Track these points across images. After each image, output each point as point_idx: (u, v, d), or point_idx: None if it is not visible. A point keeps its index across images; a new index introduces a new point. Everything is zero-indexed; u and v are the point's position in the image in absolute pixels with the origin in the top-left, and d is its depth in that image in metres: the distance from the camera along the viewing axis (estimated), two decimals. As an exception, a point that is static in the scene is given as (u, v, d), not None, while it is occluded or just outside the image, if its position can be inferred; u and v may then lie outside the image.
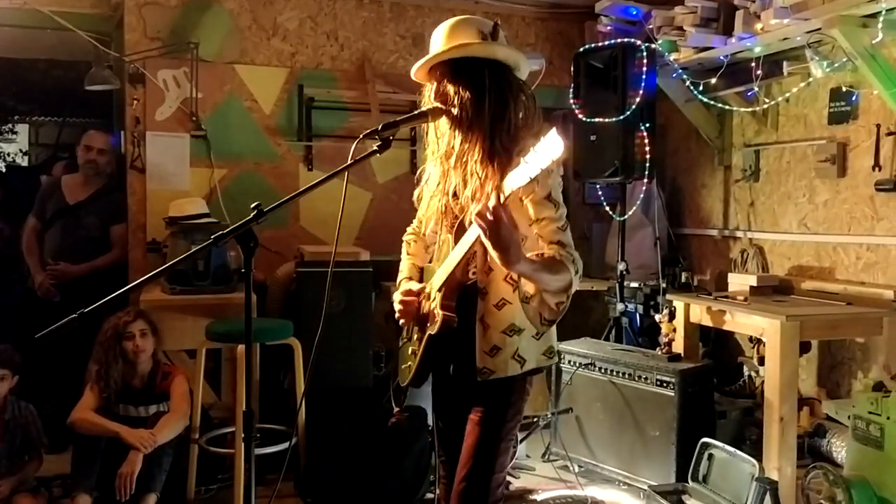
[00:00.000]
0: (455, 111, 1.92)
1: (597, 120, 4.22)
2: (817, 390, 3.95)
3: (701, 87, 4.18)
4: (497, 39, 1.95)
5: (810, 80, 3.75)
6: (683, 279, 4.62)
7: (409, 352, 2.14)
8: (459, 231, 1.96)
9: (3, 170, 8.95)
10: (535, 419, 3.94)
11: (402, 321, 2.15)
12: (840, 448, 3.33)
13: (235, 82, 4.52)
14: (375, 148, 1.89)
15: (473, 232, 1.79)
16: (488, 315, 1.95)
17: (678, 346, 3.74)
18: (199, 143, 4.44)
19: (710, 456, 3.19)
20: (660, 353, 3.64)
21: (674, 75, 4.30)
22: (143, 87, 4.37)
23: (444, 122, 1.96)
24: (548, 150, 1.54)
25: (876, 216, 3.68)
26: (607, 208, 4.52)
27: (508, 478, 3.64)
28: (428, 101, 1.99)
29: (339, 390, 3.71)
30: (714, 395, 3.70)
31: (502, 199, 1.66)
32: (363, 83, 4.68)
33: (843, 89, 3.77)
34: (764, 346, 3.43)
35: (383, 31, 4.80)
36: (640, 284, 4.50)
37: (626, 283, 4.38)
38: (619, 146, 4.13)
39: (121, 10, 4.38)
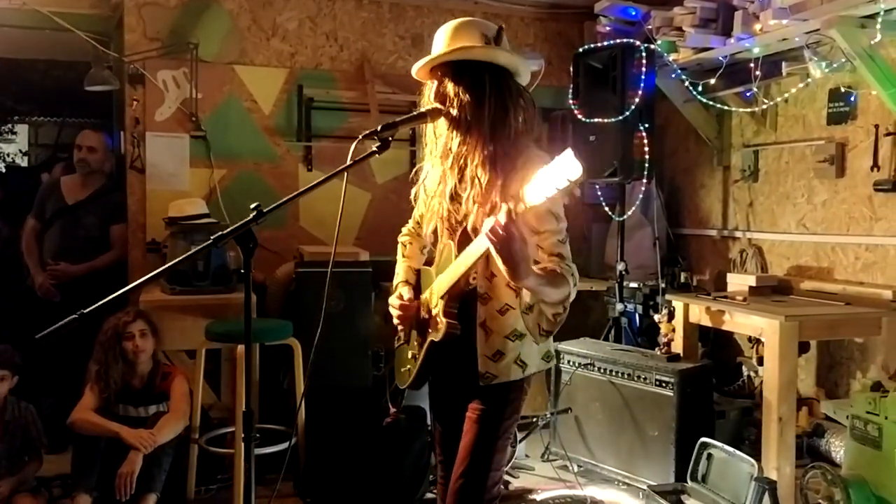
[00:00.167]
0: (454, 112, 1.92)
1: (596, 120, 4.23)
2: (816, 390, 3.96)
3: (700, 88, 4.18)
4: (500, 44, 1.95)
5: (809, 80, 3.75)
6: (682, 279, 4.63)
7: (409, 355, 2.14)
8: (463, 238, 1.96)
9: (3, 170, 8.94)
10: (535, 419, 3.94)
11: (400, 326, 2.16)
12: (838, 448, 3.33)
13: (235, 83, 4.53)
14: (374, 148, 1.89)
15: (482, 244, 1.78)
16: (491, 320, 1.96)
17: (677, 346, 3.74)
18: (199, 144, 4.45)
19: (709, 456, 3.19)
20: (659, 353, 3.64)
21: (673, 76, 4.30)
22: (142, 88, 4.37)
23: (442, 123, 1.97)
24: (564, 170, 1.53)
25: (874, 216, 3.69)
26: (606, 208, 4.53)
27: (508, 477, 3.64)
28: (427, 101, 1.99)
29: (339, 390, 3.71)
30: (713, 395, 3.71)
31: (514, 216, 1.66)
32: (362, 84, 4.68)
33: (842, 90, 3.77)
34: (763, 346, 3.43)
35: (383, 31, 4.80)
36: (639, 284, 4.51)
37: (625, 284, 4.39)
38: (618, 146, 4.14)
39: (120, 10, 4.39)
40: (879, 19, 3.17)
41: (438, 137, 2.00)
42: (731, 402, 3.82)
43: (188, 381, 3.49)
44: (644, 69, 4.11)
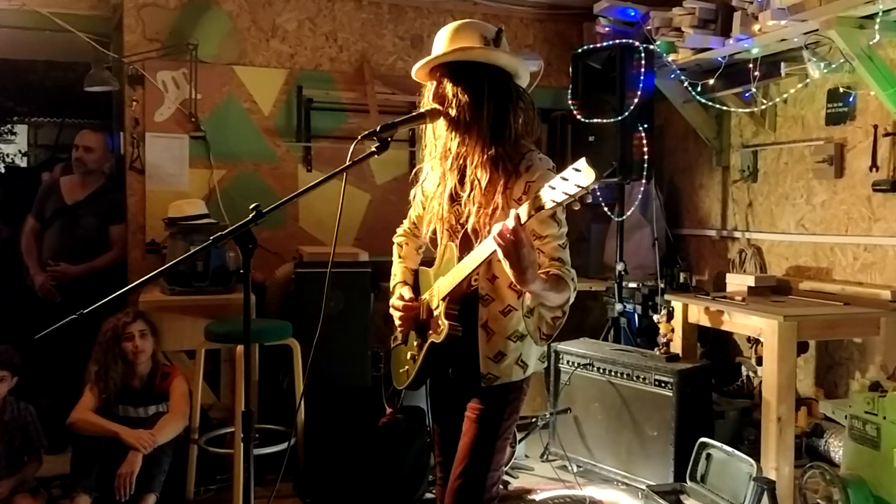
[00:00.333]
0: (453, 113, 1.93)
1: (595, 120, 4.23)
2: (815, 390, 3.97)
3: (699, 88, 4.19)
4: (500, 46, 1.95)
5: (808, 80, 3.76)
6: (682, 279, 4.63)
7: (407, 356, 2.14)
8: (464, 240, 1.97)
9: (3, 171, 8.95)
10: (534, 419, 3.94)
11: (399, 326, 2.16)
12: (837, 448, 3.34)
13: (234, 83, 4.53)
14: (374, 149, 1.89)
15: (487, 247, 1.79)
16: (493, 321, 1.96)
17: (676, 347, 3.75)
18: (198, 144, 4.45)
19: (708, 456, 3.20)
20: (658, 353, 3.64)
21: (672, 76, 4.31)
22: (142, 89, 4.38)
23: (441, 124, 1.97)
24: (576, 177, 1.53)
25: (873, 216, 3.69)
26: (605, 209, 4.53)
27: (507, 478, 3.65)
28: (427, 101, 2.00)
29: (338, 390, 3.72)
30: (712, 396, 3.71)
31: (523, 221, 1.66)
32: (362, 84, 4.68)
33: (841, 90, 3.78)
34: (762, 346, 3.44)
35: (382, 32, 4.81)
36: (638, 285, 4.51)
37: (624, 284, 4.39)
38: (617, 147, 4.14)
39: (120, 11, 4.39)
40: (878, 20, 3.17)
41: (437, 138, 2.00)
42: (730, 403, 3.83)
43: (188, 381, 3.49)
44: (643, 70, 4.12)
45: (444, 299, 1.97)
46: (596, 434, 3.72)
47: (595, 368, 3.74)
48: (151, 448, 3.20)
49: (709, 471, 3.18)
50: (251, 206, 1.74)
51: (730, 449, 3.14)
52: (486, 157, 1.91)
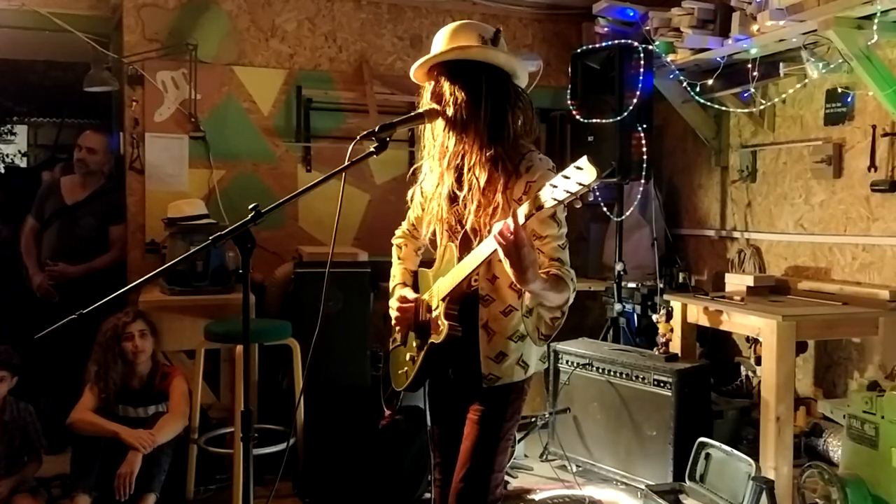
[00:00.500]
0: (450, 112, 1.92)
1: (594, 120, 4.23)
2: (814, 390, 3.97)
3: (698, 88, 4.19)
4: (498, 46, 1.95)
5: (806, 81, 3.76)
6: (681, 279, 4.63)
7: (406, 357, 2.13)
8: (463, 240, 1.97)
9: (2, 171, 8.95)
10: (533, 419, 3.95)
11: (398, 327, 2.15)
12: (836, 447, 3.34)
13: (234, 83, 4.53)
14: (372, 149, 1.89)
15: (488, 246, 1.79)
16: (493, 322, 1.96)
17: (675, 346, 3.76)
18: (198, 145, 4.45)
19: (707, 455, 3.20)
20: (657, 353, 3.65)
21: (671, 76, 4.31)
22: (141, 89, 4.38)
23: (439, 123, 1.97)
24: (578, 175, 1.53)
25: (871, 216, 3.70)
26: (605, 209, 4.53)
27: (506, 477, 3.65)
28: (426, 102, 2.00)
29: (338, 390, 3.72)
30: (711, 395, 3.71)
31: (523, 219, 1.66)
32: (361, 84, 4.69)
33: (839, 90, 3.79)
34: (761, 345, 3.44)
35: (381, 32, 4.81)
36: (637, 285, 4.51)
37: (623, 284, 4.39)
38: (616, 147, 4.14)
39: (119, 11, 4.39)
40: (876, 20, 3.17)
41: (436, 139, 2.00)
42: (728, 402, 3.83)
43: (187, 381, 3.49)
44: (642, 70, 4.12)
45: (443, 299, 1.96)
46: (595, 434, 3.72)
47: (594, 368, 3.74)
48: (151, 448, 3.20)
49: (708, 470, 3.19)
50: (250, 207, 1.74)
51: (729, 448, 3.15)
52: (484, 156, 1.91)
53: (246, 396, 1.96)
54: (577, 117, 4.31)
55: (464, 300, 1.97)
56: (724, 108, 4.33)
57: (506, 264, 1.70)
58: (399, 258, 2.25)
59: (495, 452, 1.98)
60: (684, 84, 4.24)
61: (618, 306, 4.36)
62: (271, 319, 3.89)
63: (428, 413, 2.22)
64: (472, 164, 1.92)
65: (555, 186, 1.57)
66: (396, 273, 2.23)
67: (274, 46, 4.61)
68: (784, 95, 4.02)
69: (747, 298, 3.66)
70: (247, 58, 4.56)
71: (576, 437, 3.79)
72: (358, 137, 1.88)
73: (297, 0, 4.64)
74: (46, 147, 9.88)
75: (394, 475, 3.41)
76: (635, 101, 4.11)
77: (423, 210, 2.12)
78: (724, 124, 4.65)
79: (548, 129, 4.99)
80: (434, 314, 2.00)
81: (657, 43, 4.18)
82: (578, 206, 1.61)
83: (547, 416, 3.91)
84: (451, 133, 1.94)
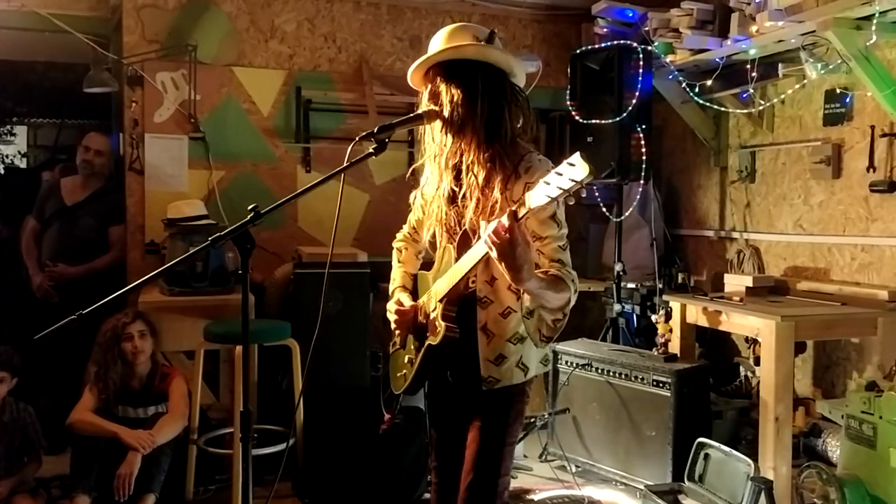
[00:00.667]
0: (446, 111, 1.92)
1: (593, 121, 4.24)
2: (813, 390, 3.98)
3: (697, 89, 4.20)
4: (492, 45, 1.95)
5: (805, 81, 3.77)
6: (680, 280, 4.64)
7: (405, 360, 2.12)
8: (462, 240, 1.96)
9: (2, 171, 8.95)
10: (533, 419, 3.95)
11: (397, 331, 2.15)
12: (835, 448, 3.35)
13: (233, 84, 4.54)
14: (371, 150, 1.89)
15: (482, 247, 1.77)
16: (492, 324, 1.95)
17: (674, 347, 3.76)
18: (198, 145, 4.46)
19: (706, 456, 3.21)
20: (656, 353, 3.65)
21: (670, 77, 4.32)
22: (141, 90, 4.39)
23: (438, 124, 1.96)
24: (571, 172, 1.52)
25: (870, 217, 3.70)
26: (604, 209, 4.54)
27: (506, 478, 3.65)
28: (424, 104, 1.99)
29: (337, 391, 3.72)
30: (710, 396, 3.71)
31: (518, 218, 1.64)
32: (361, 85, 4.69)
33: (838, 91, 3.79)
34: (759, 346, 3.44)
35: (381, 33, 4.82)
36: (636, 285, 4.51)
37: (622, 284, 4.39)
38: (615, 147, 4.14)
39: (119, 12, 4.40)
40: (875, 21, 3.18)
41: (435, 140, 1.99)
42: (727, 403, 3.84)
43: (187, 381, 3.50)
44: (641, 70, 4.12)
45: (441, 301, 1.96)
46: (594, 434, 3.73)
47: (593, 369, 3.74)
48: (151, 448, 3.21)
49: (707, 470, 3.19)
50: (249, 207, 1.75)
51: (727, 449, 3.15)
52: (482, 155, 1.90)
53: (245, 397, 1.97)
54: (577, 118, 4.32)
55: (462, 302, 1.96)
56: (723, 109, 4.34)
57: (500, 265, 1.70)
58: (399, 261, 2.24)
59: (501, 457, 1.97)
60: (683, 85, 4.25)
61: (617, 307, 4.36)
62: (271, 320, 3.89)
63: (426, 417, 2.22)
64: (469, 162, 1.92)
65: (548, 183, 1.56)
66: (396, 276, 2.22)
67: (273, 47, 4.62)
68: (783, 96, 4.03)
69: (746, 299, 3.66)
70: (246, 58, 4.57)
71: (575, 438, 3.80)
72: (357, 138, 1.88)
73: (296, 1, 4.64)
74: (46, 148, 9.86)
75: (393, 475, 3.41)
76: (634, 101, 4.12)
77: (423, 213, 2.12)
78: (724, 125, 4.65)
79: (547, 130, 5.00)
80: (432, 316, 2.00)
81: (656, 44, 4.19)
82: (571, 203, 1.60)
83: (546, 416, 3.91)
84: (448, 132, 1.94)
